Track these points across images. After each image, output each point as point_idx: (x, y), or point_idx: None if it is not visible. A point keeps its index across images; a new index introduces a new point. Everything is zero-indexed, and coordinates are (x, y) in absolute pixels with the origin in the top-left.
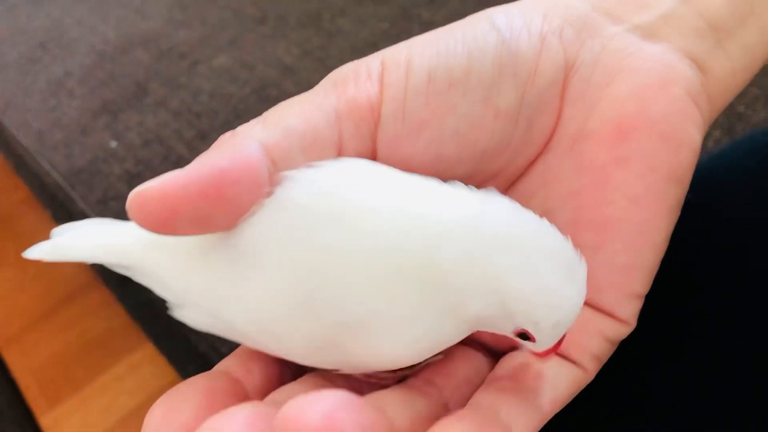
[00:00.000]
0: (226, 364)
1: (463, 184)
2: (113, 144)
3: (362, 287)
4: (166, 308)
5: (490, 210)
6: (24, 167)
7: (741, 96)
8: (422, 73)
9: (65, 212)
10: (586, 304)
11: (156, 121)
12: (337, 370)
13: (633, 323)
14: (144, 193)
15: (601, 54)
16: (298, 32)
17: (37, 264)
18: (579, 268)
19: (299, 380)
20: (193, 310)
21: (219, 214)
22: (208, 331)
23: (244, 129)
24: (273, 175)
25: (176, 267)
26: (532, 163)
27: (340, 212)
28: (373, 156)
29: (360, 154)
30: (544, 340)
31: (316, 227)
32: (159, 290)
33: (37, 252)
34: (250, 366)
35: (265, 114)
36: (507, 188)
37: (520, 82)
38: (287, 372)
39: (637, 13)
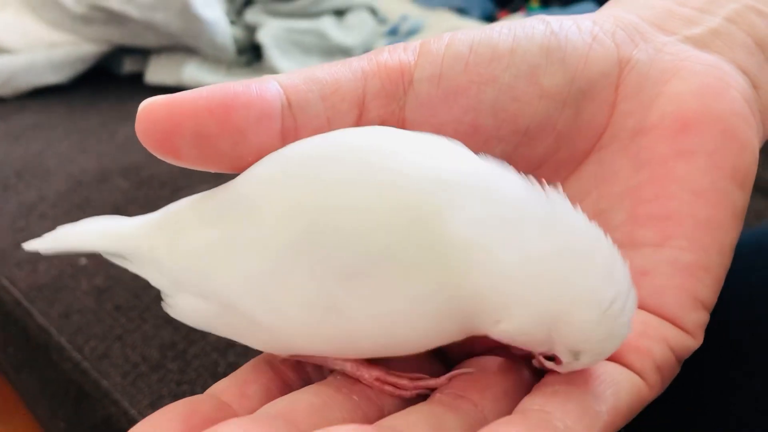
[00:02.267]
0: (220, 387)
1: (510, 166)
2: (83, 261)
3: (364, 233)
4: None
5: (555, 211)
6: None
7: None
8: (464, 44)
9: (20, 330)
10: (647, 308)
11: None
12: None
13: (699, 337)
14: (152, 103)
15: (656, 55)
16: None
17: None
18: (631, 296)
19: (302, 390)
20: (185, 296)
21: (224, 137)
22: (201, 324)
23: (267, 75)
24: (287, 114)
25: (172, 246)
26: (583, 161)
27: (347, 154)
28: (400, 122)
29: (383, 117)
30: (571, 366)
31: (317, 168)
32: (154, 278)
33: (36, 244)
34: (245, 389)
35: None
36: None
37: (569, 68)
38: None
39: (686, 27)
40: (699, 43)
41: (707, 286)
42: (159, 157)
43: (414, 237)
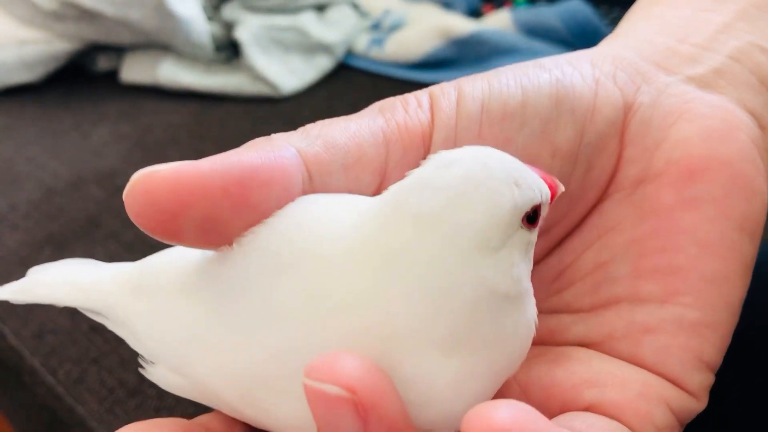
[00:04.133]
0: (206, 417)
1: None
2: None
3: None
4: None
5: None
6: None
7: None
8: (475, 101)
9: None
10: (648, 368)
11: (106, 254)
12: None
13: (703, 399)
14: (152, 175)
15: (660, 98)
16: None
17: None
18: None
19: None
20: (164, 369)
21: (237, 220)
22: (183, 394)
23: (280, 135)
24: (307, 189)
25: (150, 316)
26: (586, 215)
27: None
28: None
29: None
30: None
31: (284, 270)
32: (131, 342)
33: (5, 292)
34: (233, 424)
35: (305, 126)
36: (558, 243)
37: (579, 119)
38: None
39: (688, 66)
40: (702, 83)
41: (713, 346)
42: (154, 237)
43: None
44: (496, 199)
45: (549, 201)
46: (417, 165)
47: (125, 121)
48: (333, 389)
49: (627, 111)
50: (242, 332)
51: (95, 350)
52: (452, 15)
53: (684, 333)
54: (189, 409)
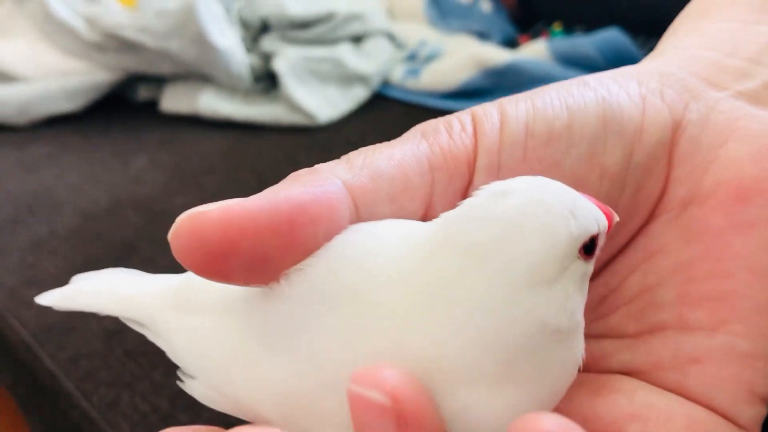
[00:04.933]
0: (243, 431)
1: None
2: None
3: None
4: None
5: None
6: None
7: None
8: (519, 124)
9: (28, 373)
10: (696, 400)
11: None
12: None
13: None
14: (200, 216)
15: (709, 115)
16: None
17: None
18: None
19: None
20: (203, 384)
21: (285, 258)
22: (221, 409)
23: (324, 167)
24: (353, 222)
25: (192, 333)
26: (633, 237)
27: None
28: None
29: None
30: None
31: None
32: (171, 355)
33: (49, 299)
34: None
35: (348, 155)
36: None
37: (627, 140)
38: None
39: (739, 81)
40: (753, 98)
41: (766, 378)
42: (201, 276)
43: None
44: (552, 230)
45: (606, 230)
46: (462, 191)
47: (164, 150)
48: (377, 396)
49: (675, 129)
50: (288, 359)
51: (129, 375)
52: (488, 46)
53: (734, 364)
54: None
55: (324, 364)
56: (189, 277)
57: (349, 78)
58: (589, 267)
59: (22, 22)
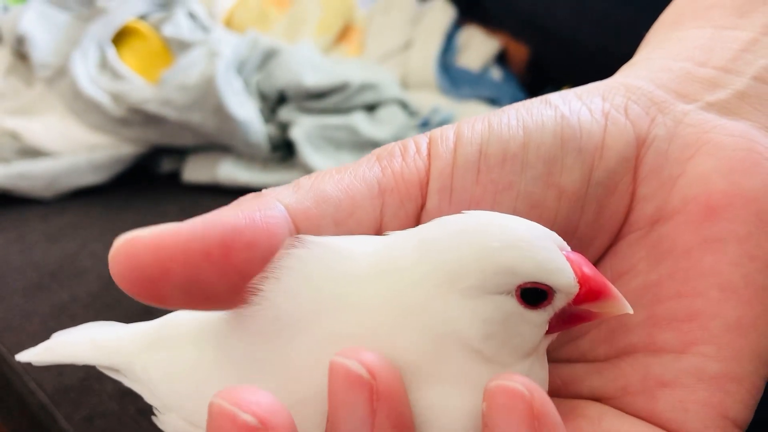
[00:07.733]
0: None
1: None
2: None
3: None
4: None
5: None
6: (7, 393)
7: None
8: (473, 146)
9: None
10: (666, 427)
11: None
12: None
13: None
14: (134, 240)
15: (677, 129)
16: None
17: None
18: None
19: None
20: (176, 417)
21: (220, 283)
22: None
23: (270, 191)
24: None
25: (165, 365)
26: (600, 257)
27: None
28: None
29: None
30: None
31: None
32: (147, 396)
33: (29, 354)
34: None
35: (299, 179)
36: None
37: (587, 158)
38: None
39: (709, 91)
40: (724, 109)
41: (739, 401)
42: (140, 301)
43: None
44: (480, 244)
45: (573, 296)
46: (414, 214)
47: (184, 218)
48: (356, 366)
49: (640, 145)
50: (260, 385)
51: None
52: None
53: (704, 387)
54: None
55: (295, 385)
56: (165, 318)
57: (362, 144)
58: (532, 316)
59: (52, 101)
